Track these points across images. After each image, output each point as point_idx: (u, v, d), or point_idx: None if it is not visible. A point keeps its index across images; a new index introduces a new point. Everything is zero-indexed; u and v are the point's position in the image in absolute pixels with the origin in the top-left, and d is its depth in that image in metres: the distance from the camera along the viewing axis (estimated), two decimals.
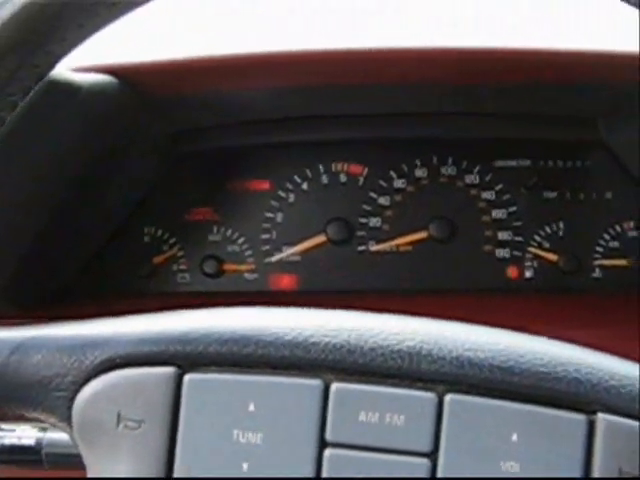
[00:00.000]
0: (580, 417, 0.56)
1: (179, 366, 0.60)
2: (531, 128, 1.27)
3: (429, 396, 0.57)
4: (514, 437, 0.56)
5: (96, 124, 1.07)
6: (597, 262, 1.26)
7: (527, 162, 1.28)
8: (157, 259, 1.30)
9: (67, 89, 0.96)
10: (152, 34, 1.10)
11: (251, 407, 0.58)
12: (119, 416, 0.60)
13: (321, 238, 1.29)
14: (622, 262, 1.25)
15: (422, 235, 1.28)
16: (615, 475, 0.56)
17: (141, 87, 1.09)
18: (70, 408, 0.61)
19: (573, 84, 1.13)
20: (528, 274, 1.27)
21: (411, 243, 1.28)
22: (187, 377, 0.59)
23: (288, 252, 1.29)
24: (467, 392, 0.57)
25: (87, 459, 0.61)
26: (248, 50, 1.08)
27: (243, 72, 1.10)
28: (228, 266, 1.30)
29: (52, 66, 0.63)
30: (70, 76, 0.95)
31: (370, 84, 1.15)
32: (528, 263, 1.27)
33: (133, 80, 1.08)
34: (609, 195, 1.27)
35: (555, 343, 0.60)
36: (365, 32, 1.10)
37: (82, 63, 0.99)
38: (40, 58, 0.61)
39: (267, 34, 1.11)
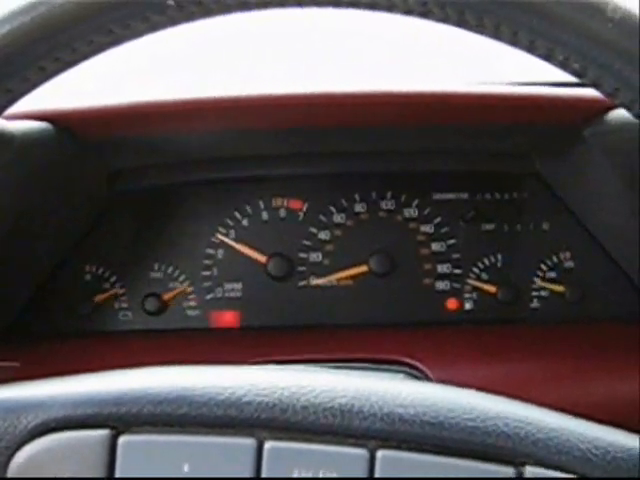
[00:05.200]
0: (509, 470, 0.57)
1: (114, 428, 0.60)
2: (468, 161, 1.29)
3: (361, 452, 0.58)
4: None
5: (32, 170, 1.06)
6: (535, 293, 1.28)
7: (465, 195, 1.30)
8: (98, 297, 1.30)
9: (1, 138, 0.95)
10: (84, 79, 1.10)
11: (186, 468, 0.59)
12: None
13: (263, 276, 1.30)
14: (559, 292, 1.27)
15: (362, 269, 1.29)
16: None
17: (77, 132, 1.09)
18: (4, 473, 0.60)
19: (507, 123, 1.15)
20: (467, 306, 1.29)
21: (351, 277, 1.29)
22: (122, 439, 0.59)
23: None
24: (398, 447, 0.58)
25: None
26: (183, 96, 1.08)
27: (178, 117, 1.10)
28: (170, 303, 1.30)
29: None
30: (3, 125, 0.95)
31: (307, 126, 1.16)
32: (467, 295, 1.29)
33: (68, 126, 1.08)
34: (546, 226, 1.29)
35: (484, 396, 0.61)
36: (301, 76, 1.11)
37: (14, 110, 0.98)
38: None
39: (203, 78, 1.11)
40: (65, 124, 1.07)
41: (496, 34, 0.60)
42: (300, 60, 1.17)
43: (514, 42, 0.59)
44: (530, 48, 0.60)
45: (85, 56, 0.60)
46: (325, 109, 1.11)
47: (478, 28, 0.59)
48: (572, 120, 1.10)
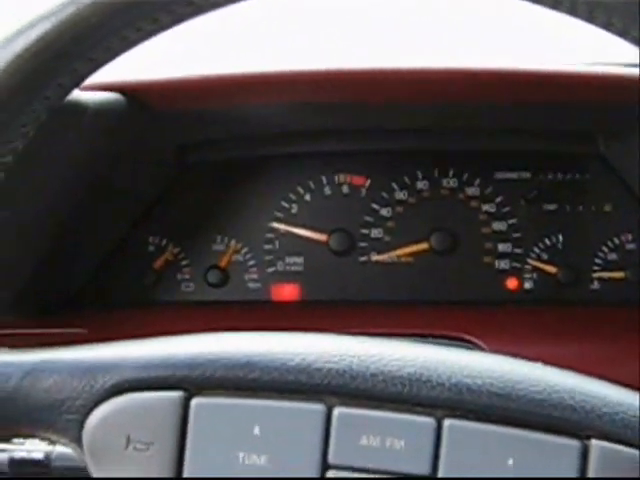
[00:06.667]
0: (574, 443, 0.58)
1: (186, 390, 0.61)
2: (531, 141, 1.29)
3: (428, 421, 0.59)
4: (510, 461, 0.58)
5: (103, 140, 1.08)
6: (595, 274, 1.28)
7: (527, 174, 1.30)
8: (159, 262, 1.32)
9: (75, 108, 0.97)
10: (157, 50, 1.11)
11: (256, 430, 0.60)
12: (128, 438, 0.61)
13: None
14: (620, 274, 1.27)
15: (423, 246, 1.29)
16: None
17: (149, 104, 1.11)
18: (81, 430, 0.62)
19: (571, 102, 1.15)
20: (527, 286, 1.29)
21: (412, 254, 1.30)
22: (194, 401, 0.61)
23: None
24: (465, 417, 0.59)
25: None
26: (254, 68, 1.09)
27: (249, 89, 1.12)
28: (232, 276, 1.32)
29: (62, 98, 0.65)
30: (78, 95, 0.97)
31: (374, 101, 1.16)
32: (527, 275, 1.29)
33: (141, 97, 1.09)
34: (608, 208, 1.28)
35: (552, 370, 0.62)
36: (369, 51, 1.12)
37: (89, 81, 1.00)
38: (51, 90, 0.63)
39: (272, 52, 1.12)
40: (137, 95, 1.09)
41: (555, 4, 0.59)
42: (372, 34, 1.17)
43: (573, 12, 0.59)
44: (590, 18, 0.59)
45: (166, 26, 0.62)
46: (392, 84, 1.12)
47: None
48: (636, 100, 1.09)
